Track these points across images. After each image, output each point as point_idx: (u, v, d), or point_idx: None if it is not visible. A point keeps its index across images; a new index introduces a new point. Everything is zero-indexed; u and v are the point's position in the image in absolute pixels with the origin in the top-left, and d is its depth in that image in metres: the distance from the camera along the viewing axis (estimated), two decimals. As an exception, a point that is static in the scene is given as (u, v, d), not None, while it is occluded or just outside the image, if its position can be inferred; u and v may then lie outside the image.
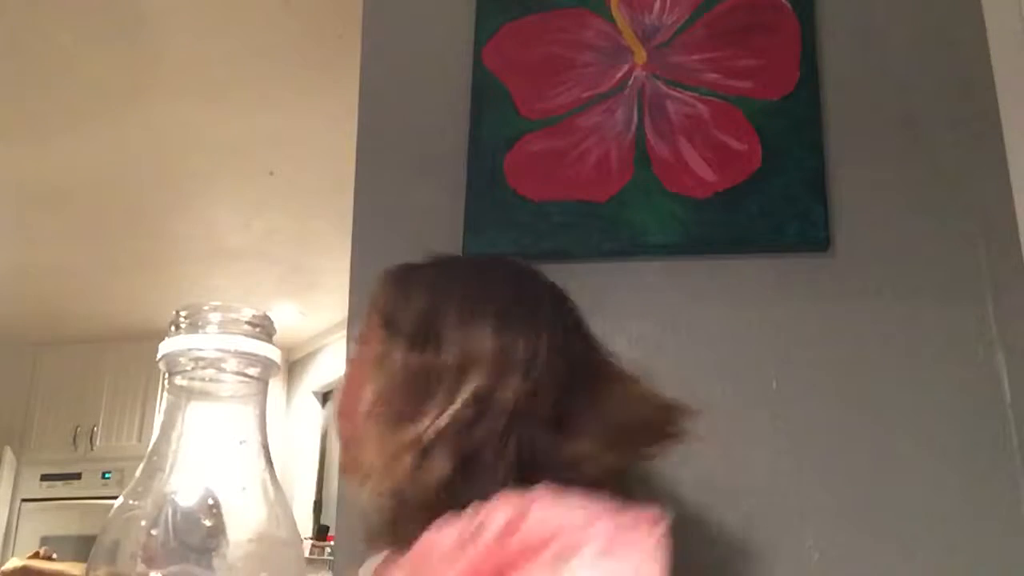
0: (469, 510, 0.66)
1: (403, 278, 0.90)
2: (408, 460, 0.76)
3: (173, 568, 0.37)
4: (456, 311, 0.83)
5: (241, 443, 0.40)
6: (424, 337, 0.82)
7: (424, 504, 0.74)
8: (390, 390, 0.81)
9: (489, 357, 0.80)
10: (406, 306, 0.85)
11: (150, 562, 0.37)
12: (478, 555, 0.62)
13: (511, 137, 1.35)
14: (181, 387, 0.40)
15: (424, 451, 0.76)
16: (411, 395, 0.79)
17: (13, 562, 1.78)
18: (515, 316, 0.84)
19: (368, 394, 0.82)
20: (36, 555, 1.80)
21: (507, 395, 0.78)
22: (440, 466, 0.75)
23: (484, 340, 0.80)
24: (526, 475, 0.74)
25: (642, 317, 1.28)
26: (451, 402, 0.77)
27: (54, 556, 1.80)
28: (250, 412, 0.41)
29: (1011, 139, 1.23)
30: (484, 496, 0.67)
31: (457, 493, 0.73)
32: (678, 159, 1.29)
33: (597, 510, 0.64)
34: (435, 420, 0.76)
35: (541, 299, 0.88)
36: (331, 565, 2.53)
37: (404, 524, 0.74)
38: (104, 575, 0.37)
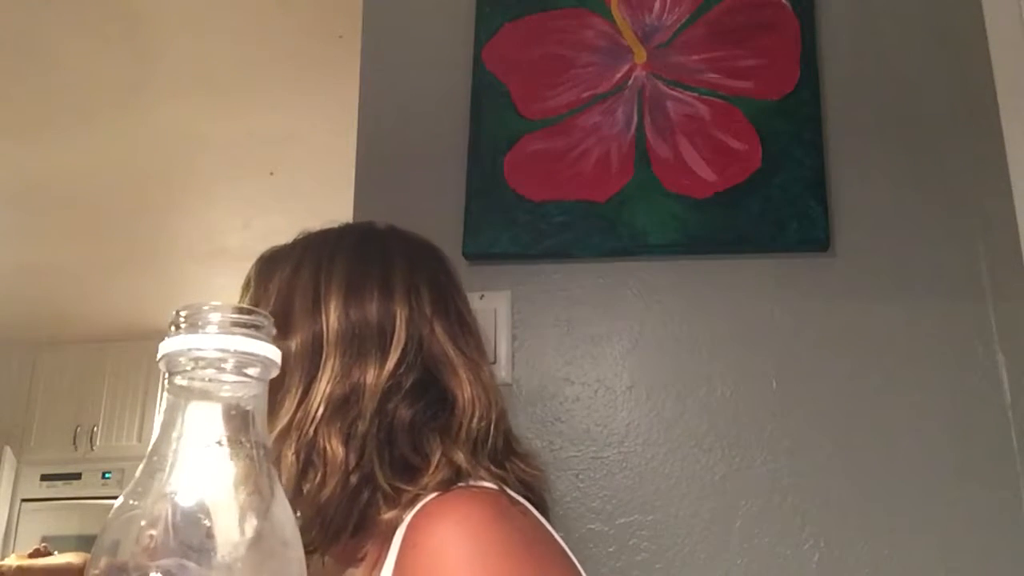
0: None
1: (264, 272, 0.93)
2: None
3: (169, 560, 0.37)
4: (301, 296, 0.85)
5: (241, 443, 0.40)
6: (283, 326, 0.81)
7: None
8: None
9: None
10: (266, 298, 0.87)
11: (149, 561, 0.37)
12: None
13: (511, 137, 1.35)
14: (181, 387, 0.40)
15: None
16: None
17: (11, 560, 1.78)
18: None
19: None
20: (36, 552, 1.80)
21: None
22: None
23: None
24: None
25: (642, 317, 1.28)
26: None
27: (54, 553, 1.80)
28: (250, 412, 0.41)
29: (1011, 139, 1.22)
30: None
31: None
32: (678, 159, 1.29)
33: None
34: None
35: (391, 273, 0.86)
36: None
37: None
38: (104, 565, 0.37)
